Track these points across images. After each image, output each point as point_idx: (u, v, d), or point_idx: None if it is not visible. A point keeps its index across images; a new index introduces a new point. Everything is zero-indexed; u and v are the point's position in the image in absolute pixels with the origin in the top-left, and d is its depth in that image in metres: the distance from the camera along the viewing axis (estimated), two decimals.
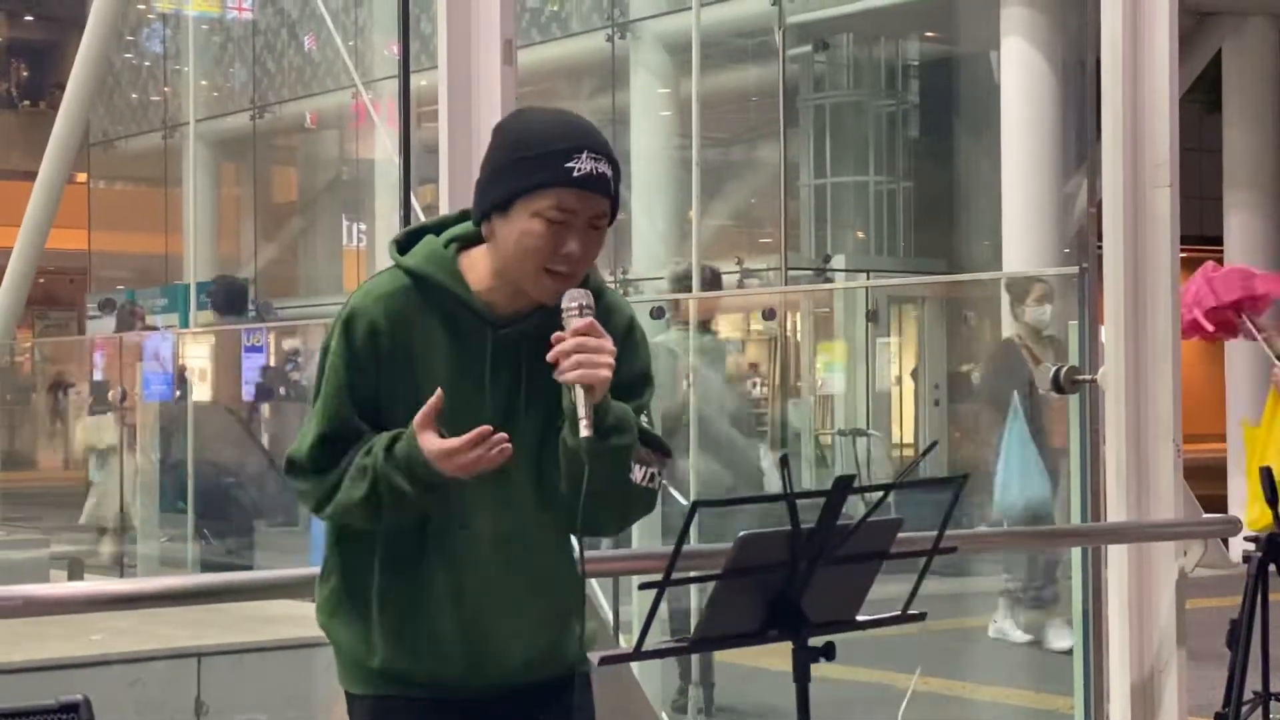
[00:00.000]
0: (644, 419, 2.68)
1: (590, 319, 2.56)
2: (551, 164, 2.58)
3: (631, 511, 2.69)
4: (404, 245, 2.72)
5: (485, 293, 2.65)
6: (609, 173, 2.61)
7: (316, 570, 2.81)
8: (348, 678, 2.75)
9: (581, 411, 2.52)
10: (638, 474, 2.62)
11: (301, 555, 10.70)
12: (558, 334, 2.56)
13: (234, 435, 12.24)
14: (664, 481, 2.71)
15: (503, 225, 2.61)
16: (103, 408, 12.09)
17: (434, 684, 2.68)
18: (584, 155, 2.59)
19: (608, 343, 2.56)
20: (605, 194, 2.61)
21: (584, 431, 2.51)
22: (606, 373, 2.54)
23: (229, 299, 11.95)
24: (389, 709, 2.70)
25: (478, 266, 2.66)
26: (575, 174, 2.57)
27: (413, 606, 2.66)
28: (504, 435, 2.53)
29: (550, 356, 2.55)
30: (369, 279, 2.73)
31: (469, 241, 2.69)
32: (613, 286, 2.84)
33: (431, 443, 2.54)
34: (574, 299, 2.57)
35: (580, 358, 2.53)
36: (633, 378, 2.68)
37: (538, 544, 2.69)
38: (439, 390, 2.56)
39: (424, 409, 2.55)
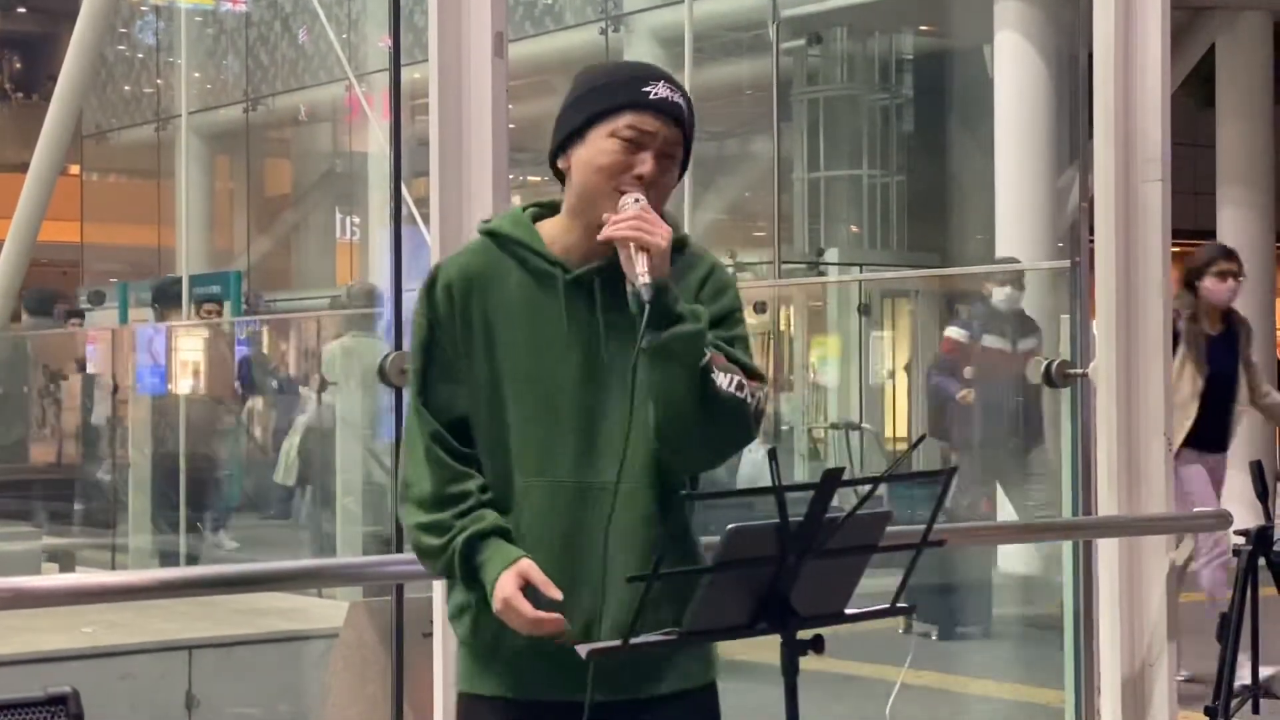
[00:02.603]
0: (741, 353, 2.71)
1: (644, 204, 2.65)
2: (628, 88, 2.70)
3: (724, 427, 2.65)
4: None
5: (559, 247, 2.74)
6: (683, 103, 2.72)
7: (310, 563, 2.83)
8: (460, 667, 2.82)
9: (640, 267, 2.57)
10: (722, 380, 2.62)
11: (292, 549, 10.70)
12: (609, 215, 2.64)
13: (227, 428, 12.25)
14: (760, 406, 2.67)
15: (580, 150, 2.71)
16: None
17: (527, 648, 2.69)
18: (660, 83, 2.71)
19: (664, 225, 2.64)
20: (679, 121, 2.71)
21: (644, 279, 2.56)
22: (661, 242, 2.60)
23: (40, 303, 13.86)
24: (473, 709, 2.79)
25: (553, 227, 2.77)
26: (651, 96, 2.69)
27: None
28: (560, 620, 2.62)
29: (603, 234, 2.62)
30: None
31: (547, 211, 2.80)
32: None
33: (507, 587, 2.63)
34: (630, 195, 2.66)
35: (635, 221, 2.61)
36: (721, 314, 2.73)
37: (628, 498, 2.68)
38: (545, 581, 2.64)
39: (530, 577, 2.64)
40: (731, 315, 2.75)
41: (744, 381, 2.65)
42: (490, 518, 2.69)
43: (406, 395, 2.79)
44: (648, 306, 2.56)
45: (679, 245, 2.71)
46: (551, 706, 2.71)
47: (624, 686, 2.70)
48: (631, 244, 2.60)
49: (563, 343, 2.69)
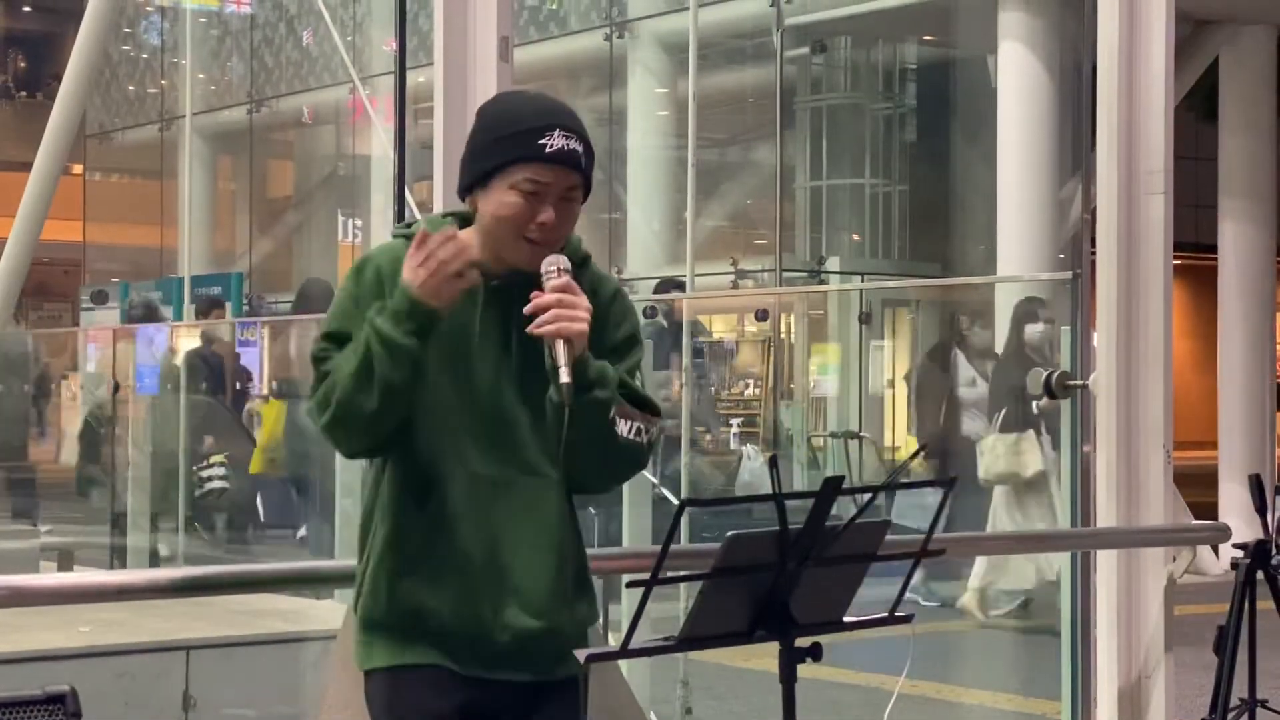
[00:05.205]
0: (637, 380, 2.86)
1: (567, 279, 2.75)
2: (525, 141, 2.80)
3: (620, 467, 2.86)
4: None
5: (477, 257, 2.83)
6: (579, 149, 2.82)
7: (306, 564, 2.83)
8: (364, 648, 2.86)
9: (561, 360, 2.70)
10: (623, 428, 2.79)
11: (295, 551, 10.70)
12: (536, 293, 2.75)
13: (228, 429, 12.26)
14: (653, 439, 2.84)
15: (483, 199, 2.84)
16: (1018, 427, 9.39)
17: (450, 623, 2.79)
18: (555, 133, 2.81)
19: (583, 300, 2.75)
20: (576, 168, 2.83)
21: (564, 378, 2.69)
22: (583, 326, 2.72)
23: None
24: (402, 681, 2.81)
25: (471, 239, 2.86)
26: (547, 150, 2.79)
27: (428, 541, 2.80)
28: (454, 230, 2.76)
29: (528, 309, 2.74)
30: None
31: (464, 222, 2.90)
32: None
33: (407, 258, 2.74)
34: (552, 263, 2.77)
35: (557, 312, 2.71)
36: (621, 340, 2.88)
37: (539, 494, 2.83)
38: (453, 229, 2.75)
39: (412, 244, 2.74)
40: (632, 340, 2.90)
41: (642, 426, 2.81)
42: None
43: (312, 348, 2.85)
44: (566, 394, 2.69)
45: (581, 262, 2.86)
46: (477, 682, 2.81)
47: (543, 668, 2.84)
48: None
49: (477, 343, 2.83)
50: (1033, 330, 9.42)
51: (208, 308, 14.58)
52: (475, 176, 2.84)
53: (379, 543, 2.84)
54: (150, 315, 15.29)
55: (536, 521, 2.82)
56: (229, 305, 17.16)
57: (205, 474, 11.73)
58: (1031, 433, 9.36)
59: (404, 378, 2.73)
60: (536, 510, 2.82)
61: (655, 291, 11.68)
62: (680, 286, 11.60)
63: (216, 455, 11.79)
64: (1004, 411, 9.36)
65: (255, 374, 12.29)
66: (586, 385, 2.72)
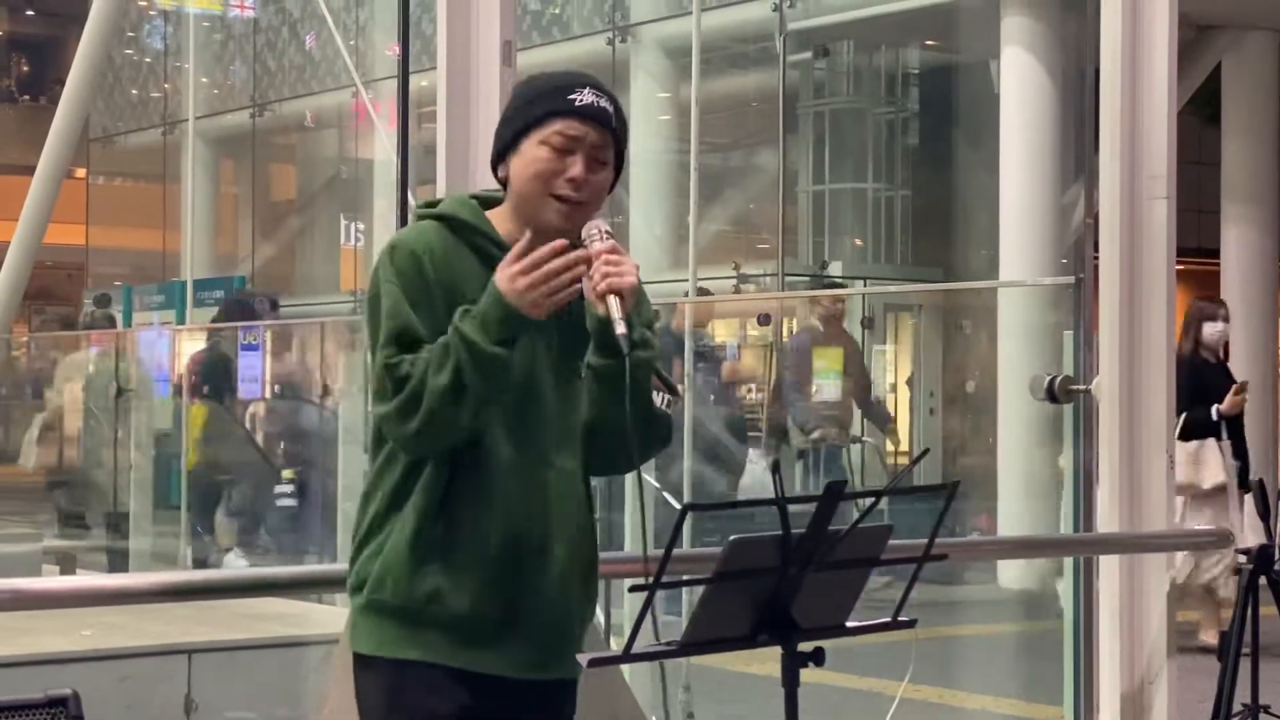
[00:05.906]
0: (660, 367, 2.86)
1: (612, 242, 2.74)
2: (555, 97, 2.80)
3: (652, 438, 2.82)
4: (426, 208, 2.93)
5: (507, 239, 2.82)
6: (610, 107, 2.82)
7: (308, 569, 2.83)
8: (368, 632, 2.80)
9: (617, 314, 2.68)
10: (655, 398, 2.80)
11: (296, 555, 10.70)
12: (580, 251, 2.71)
13: (231, 433, 12.26)
14: (672, 419, 2.85)
15: (515, 161, 2.82)
16: (1199, 434, 8.71)
17: (465, 612, 2.74)
18: (585, 90, 2.81)
19: (630, 258, 2.74)
20: (606, 125, 2.81)
21: (620, 329, 2.67)
22: (633, 280, 2.71)
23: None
24: (402, 684, 2.77)
25: (501, 219, 2.85)
26: (577, 103, 2.79)
27: (453, 527, 2.75)
28: (564, 243, 2.70)
29: (574, 256, 2.69)
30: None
31: (489, 204, 2.89)
32: None
33: (505, 266, 2.68)
34: (593, 227, 2.76)
35: (607, 269, 2.70)
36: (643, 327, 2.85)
37: (565, 485, 2.82)
38: (528, 233, 2.71)
39: (511, 252, 2.69)
40: (650, 328, 2.89)
41: (669, 398, 2.82)
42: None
43: (374, 361, 2.76)
44: (624, 346, 2.67)
45: None
46: (476, 680, 2.76)
47: (548, 665, 2.82)
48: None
49: None
50: (1211, 330, 9.06)
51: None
52: (507, 139, 2.83)
53: (405, 527, 2.77)
54: (110, 324, 15.32)
55: (561, 513, 2.80)
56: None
57: (277, 489, 11.28)
58: (1213, 440, 8.87)
59: (496, 386, 2.69)
60: (561, 502, 2.81)
61: (810, 286, 11.67)
62: (836, 285, 11.42)
63: (287, 471, 11.25)
64: (1183, 418, 8.53)
65: (257, 378, 12.26)
66: (632, 344, 2.71)
